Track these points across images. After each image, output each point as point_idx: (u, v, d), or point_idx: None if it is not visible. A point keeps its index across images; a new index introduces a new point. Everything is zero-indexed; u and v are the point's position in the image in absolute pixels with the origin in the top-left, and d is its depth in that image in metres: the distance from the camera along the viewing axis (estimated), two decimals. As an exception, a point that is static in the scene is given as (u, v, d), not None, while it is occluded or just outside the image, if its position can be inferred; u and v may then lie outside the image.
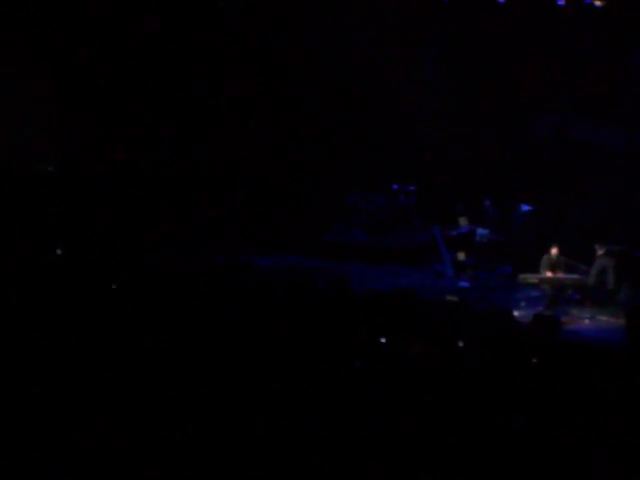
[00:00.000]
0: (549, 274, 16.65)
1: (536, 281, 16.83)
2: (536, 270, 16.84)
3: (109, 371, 8.65)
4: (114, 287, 12.43)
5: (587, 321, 16.09)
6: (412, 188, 21.22)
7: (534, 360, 9.82)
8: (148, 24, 20.40)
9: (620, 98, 19.09)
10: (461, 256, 18.74)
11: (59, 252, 15.10)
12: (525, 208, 19.47)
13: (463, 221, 19.29)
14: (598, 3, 18.49)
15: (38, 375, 8.51)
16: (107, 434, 7.37)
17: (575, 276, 16.78)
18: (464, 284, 18.30)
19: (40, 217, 18.34)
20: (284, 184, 21.00)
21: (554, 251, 16.81)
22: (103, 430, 7.44)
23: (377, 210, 21.16)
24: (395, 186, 21.29)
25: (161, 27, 20.45)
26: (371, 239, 20.79)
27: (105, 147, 20.82)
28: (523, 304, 16.64)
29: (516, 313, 15.15)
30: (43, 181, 20.50)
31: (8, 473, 6.86)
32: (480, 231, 18.96)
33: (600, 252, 16.97)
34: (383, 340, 10.37)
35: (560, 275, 16.69)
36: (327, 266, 18.37)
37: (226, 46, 20.78)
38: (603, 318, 16.14)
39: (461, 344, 10.46)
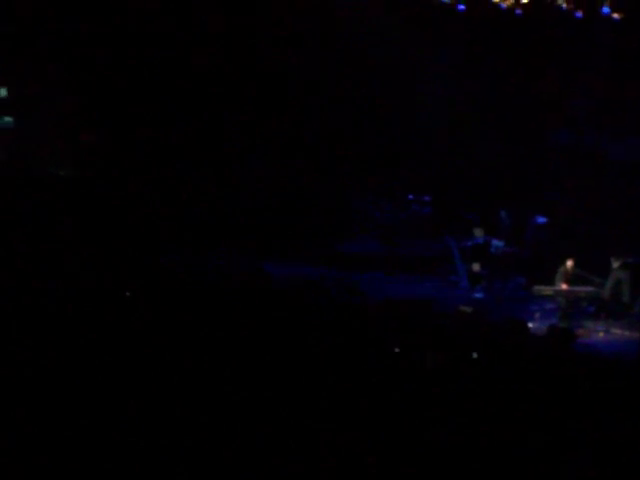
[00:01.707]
0: (564, 286, 16.60)
1: (551, 293, 16.78)
2: (551, 282, 16.79)
3: (118, 374, 8.66)
4: (128, 293, 12.44)
5: (602, 334, 16.01)
6: (427, 198, 21.20)
7: (548, 372, 9.79)
8: (163, 31, 20.48)
9: (635, 110, 19.03)
10: (476, 267, 18.70)
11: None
12: (540, 220, 19.43)
13: (478, 232, 19.26)
14: (616, 16, 18.45)
15: (42, 378, 8.53)
16: (108, 435, 7.39)
17: (590, 289, 16.71)
18: (478, 295, 18.26)
19: (53, 219, 18.39)
20: (298, 194, 21.01)
21: (569, 263, 16.75)
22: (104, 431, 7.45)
23: (392, 220, 21.14)
24: (410, 196, 21.27)
25: (176, 33, 20.52)
26: (385, 249, 20.76)
27: (117, 150, 20.89)
28: (537, 316, 16.57)
29: (530, 325, 15.12)
30: (56, 184, 20.60)
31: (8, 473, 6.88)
32: (495, 242, 18.92)
33: (616, 265, 16.91)
34: (397, 350, 10.36)
35: (575, 287, 16.63)
36: (341, 276, 18.34)
37: (239, 50, 20.81)
38: (618, 331, 16.07)
39: (475, 355, 10.43)
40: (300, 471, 7.07)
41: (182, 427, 7.62)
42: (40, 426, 7.52)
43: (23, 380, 8.39)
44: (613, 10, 18.39)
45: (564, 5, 18.74)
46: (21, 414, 7.73)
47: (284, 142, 21.10)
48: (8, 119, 21.01)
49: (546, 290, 16.82)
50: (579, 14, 18.82)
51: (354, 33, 19.75)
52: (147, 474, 7.02)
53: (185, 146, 21.06)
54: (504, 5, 19.00)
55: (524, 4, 19.01)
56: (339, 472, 7.09)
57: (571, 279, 16.70)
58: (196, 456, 7.24)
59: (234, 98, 20.99)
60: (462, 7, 19.52)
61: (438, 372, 9.81)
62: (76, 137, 21.12)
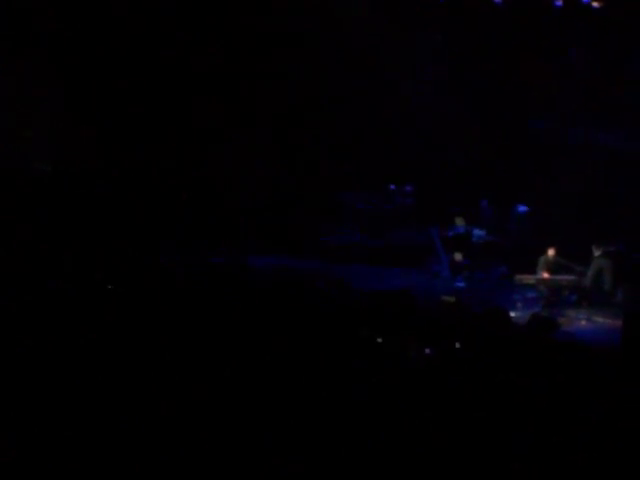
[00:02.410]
0: (546, 275, 16.67)
1: (533, 282, 16.85)
2: (533, 271, 16.86)
3: (108, 372, 8.64)
4: (111, 287, 12.41)
5: (584, 322, 16.10)
6: (409, 188, 21.21)
7: (530, 360, 9.83)
8: (148, 27, 20.36)
9: (619, 99, 19.09)
10: (457, 256, 18.74)
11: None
12: (522, 209, 19.50)
13: (460, 221, 19.30)
14: (596, 4, 18.50)
15: (41, 377, 8.51)
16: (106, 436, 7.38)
17: (572, 277, 16.80)
18: (460, 284, 18.29)
19: (39, 216, 18.30)
20: (281, 185, 20.97)
21: (551, 252, 16.83)
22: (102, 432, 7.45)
23: (374, 211, 21.14)
24: (392, 186, 21.28)
25: (164, 31, 20.42)
26: (368, 240, 20.77)
27: (104, 147, 20.78)
28: (519, 305, 16.64)
29: (512, 314, 15.16)
30: (42, 180, 20.47)
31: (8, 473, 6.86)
32: (477, 232, 18.97)
33: (597, 253, 16.99)
34: (379, 340, 10.37)
35: (557, 276, 16.70)
36: (324, 267, 18.35)
37: (231, 49, 20.74)
38: (599, 319, 16.16)
39: (458, 345, 10.46)
40: (300, 471, 7.08)
41: (180, 427, 7.62)
42: (39, 425, 7.52)
43: (22, 379, 8.38)
44: (592, -1, 18.46)
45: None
46: (18, 413, 7.72)
47: (272, 139, 21.03)
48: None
49: (528, 279, 16.90)
50: (559, 3, 18.86)
51: (333, 22, 19.72)
52: (146, 474, 7.02)
53: (171, 140, 20.97)
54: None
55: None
56: (339, 472, 7.10)
57: (553, 268, 16.78)
58: (195, 456, 7.24)
59: (232, 97, 20.90)
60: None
61: (422, 363, 9.83)
62: (65, 132, 20.97)
